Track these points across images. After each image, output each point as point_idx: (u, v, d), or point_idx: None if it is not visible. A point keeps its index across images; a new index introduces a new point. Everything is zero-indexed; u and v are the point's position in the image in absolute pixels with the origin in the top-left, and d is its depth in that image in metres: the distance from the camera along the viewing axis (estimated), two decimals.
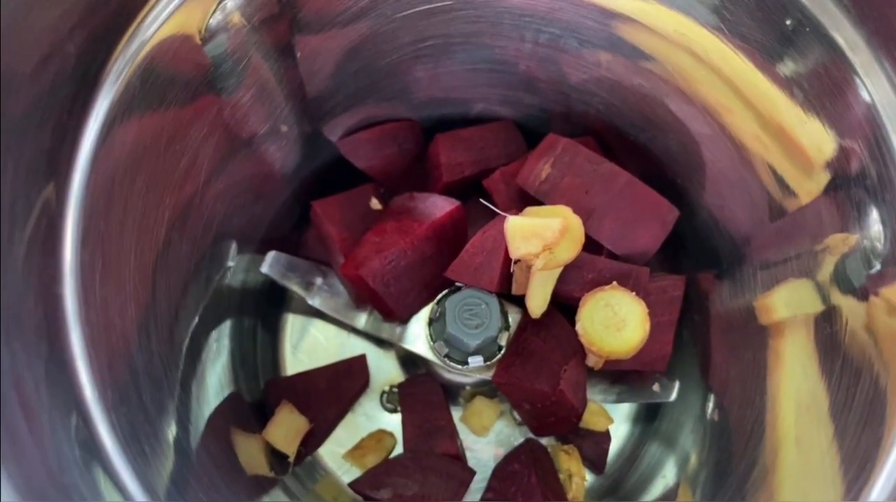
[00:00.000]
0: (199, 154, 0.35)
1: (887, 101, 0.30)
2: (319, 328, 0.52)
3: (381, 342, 0.51)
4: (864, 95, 0.30)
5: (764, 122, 0.36)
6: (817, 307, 0.34)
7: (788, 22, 0.32)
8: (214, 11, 0.32)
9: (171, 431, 0.33)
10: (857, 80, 0.30)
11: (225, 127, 0.37)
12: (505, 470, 0.46)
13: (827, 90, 0.31)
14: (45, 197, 0.26)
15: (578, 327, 0.40)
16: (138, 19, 0.29)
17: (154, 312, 0.33)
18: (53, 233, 0.27)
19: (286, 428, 0.45)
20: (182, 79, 0.32)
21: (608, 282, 0.40)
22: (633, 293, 0.40)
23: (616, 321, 0.40)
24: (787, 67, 0.33)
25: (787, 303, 0.37)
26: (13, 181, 0.24)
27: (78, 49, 0.26)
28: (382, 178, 0.49)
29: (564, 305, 0.43)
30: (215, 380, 0.43)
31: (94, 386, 0.27)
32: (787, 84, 0.33)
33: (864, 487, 0.28)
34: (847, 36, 0.30)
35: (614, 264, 0.42)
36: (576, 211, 0.39)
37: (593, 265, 0.42)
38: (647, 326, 0.39)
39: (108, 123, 0.28)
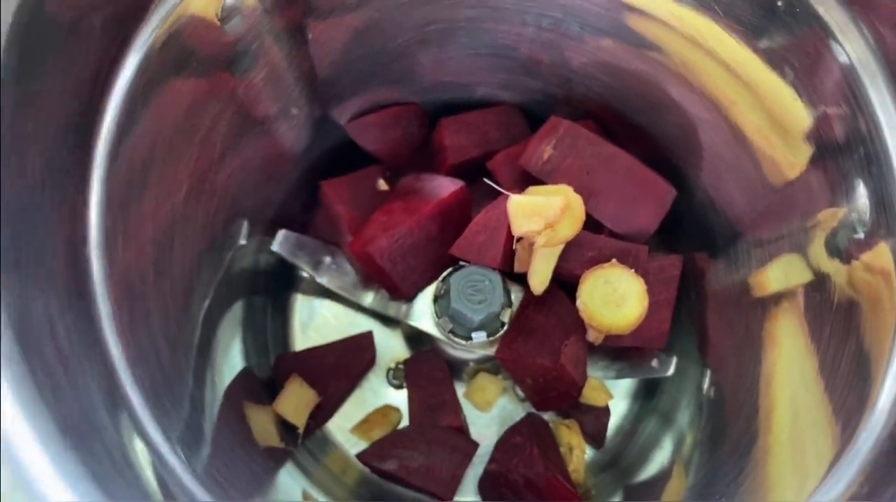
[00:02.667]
0: (213, 130, 0.36)
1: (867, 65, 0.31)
2: (328, 306, 0.53)
3: (387, 320, 0.52)
4: (844, 59, 0.31)
5: (758, 102, 0.37)
6: (808, 278, 0.35)
7: (780, 3, 0.33)
8: None
9: (188, 394, 0.35)
10: (837, 47, 0.31)
11: (238, 105, 0.38)
12: (508, 442, 0.47)
13: (814, 65, 0.32)
14: (72, 161, 0.28)
15: (579, 303, 0.41)
16: None
17: (170, 281, 0.35)
18: (80, 198, 0.29)
19: (296, 400, 0.46)
20: (200, 55, 0.33)
21: (608, 260, 0.41)
22: (633, 270, 0.41)
23: (615, 297, 0.41)
24: (778, 47, 0.34)
25: (780, 277, 0.38)
26: (43, 144, 0.26)
27: (102, 21, 0.28)
28: (389, 160, 0.50)
29: (566, 283, 0.44)
30: (228, 356, 0.45)
31: (117, 342, 0.29)
32: (778, 64, 0.35)
33: (853, 436, 0.30)
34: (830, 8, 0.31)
35: (614, 242, 0.43)
36: (577, 191, 0.40)
37: (594, 243, 0.43)
38: (645, 302, 0.40)
39: (130, 95, 0.29)
